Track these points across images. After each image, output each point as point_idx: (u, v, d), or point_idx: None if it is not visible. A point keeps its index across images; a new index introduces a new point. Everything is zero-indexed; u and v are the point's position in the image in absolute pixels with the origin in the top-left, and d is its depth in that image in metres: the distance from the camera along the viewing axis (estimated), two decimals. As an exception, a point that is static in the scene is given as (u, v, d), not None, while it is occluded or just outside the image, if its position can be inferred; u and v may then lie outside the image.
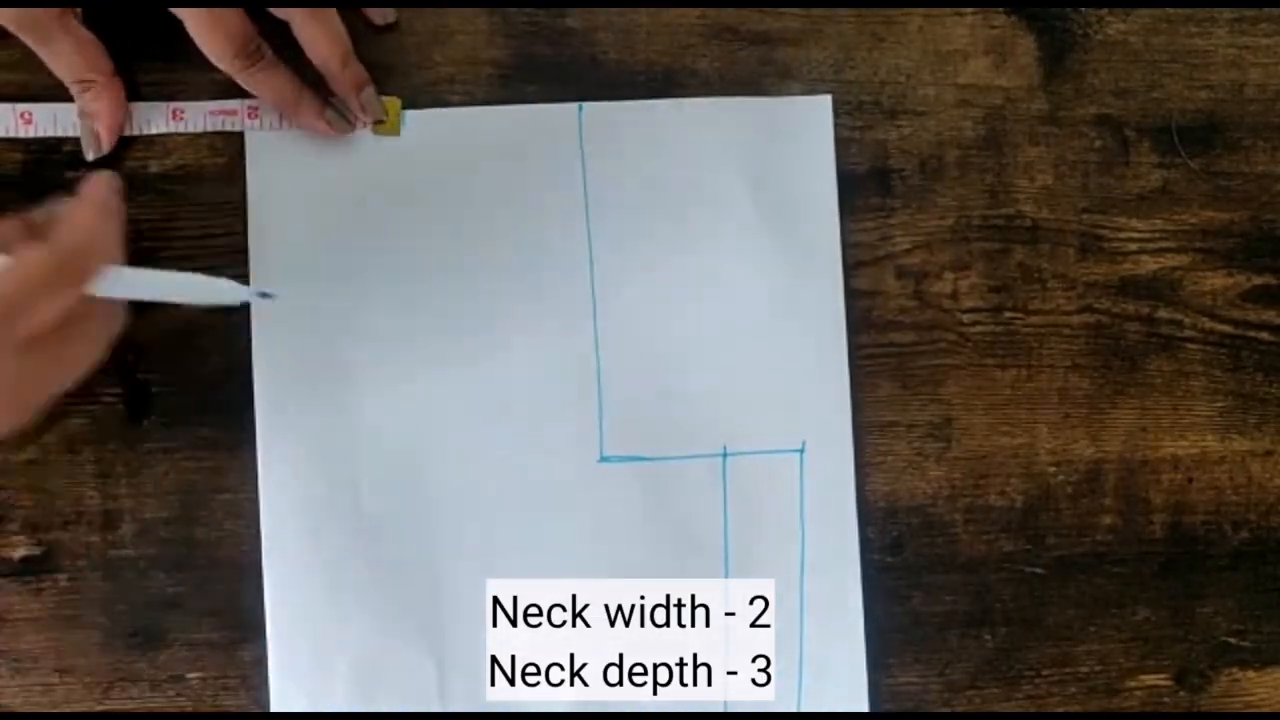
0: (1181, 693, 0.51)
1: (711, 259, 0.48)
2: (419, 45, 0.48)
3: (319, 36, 0.45)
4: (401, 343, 0.47)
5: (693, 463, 0.48)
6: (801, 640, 0.48)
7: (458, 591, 0.47)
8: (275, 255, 0.46)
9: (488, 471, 0.47)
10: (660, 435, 0.48)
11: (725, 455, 0.48)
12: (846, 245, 0.49)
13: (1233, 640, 0.51)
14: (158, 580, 0.47)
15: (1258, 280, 0.51)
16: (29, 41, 0.44)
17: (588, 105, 0.48)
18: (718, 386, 0.48)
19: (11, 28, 0.43)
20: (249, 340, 0.46)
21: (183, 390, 0.46)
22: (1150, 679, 0.51)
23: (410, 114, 0.47)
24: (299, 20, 0.44)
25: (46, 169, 0.46)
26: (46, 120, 0.46)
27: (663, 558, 0.48)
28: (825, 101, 0.49)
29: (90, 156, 0.45)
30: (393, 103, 0.47)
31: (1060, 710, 0.50)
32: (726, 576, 0.48)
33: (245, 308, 0.46)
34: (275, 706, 0.46)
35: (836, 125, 0.49)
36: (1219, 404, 0.51)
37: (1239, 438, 0.51)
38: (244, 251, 0.46)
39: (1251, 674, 0.51)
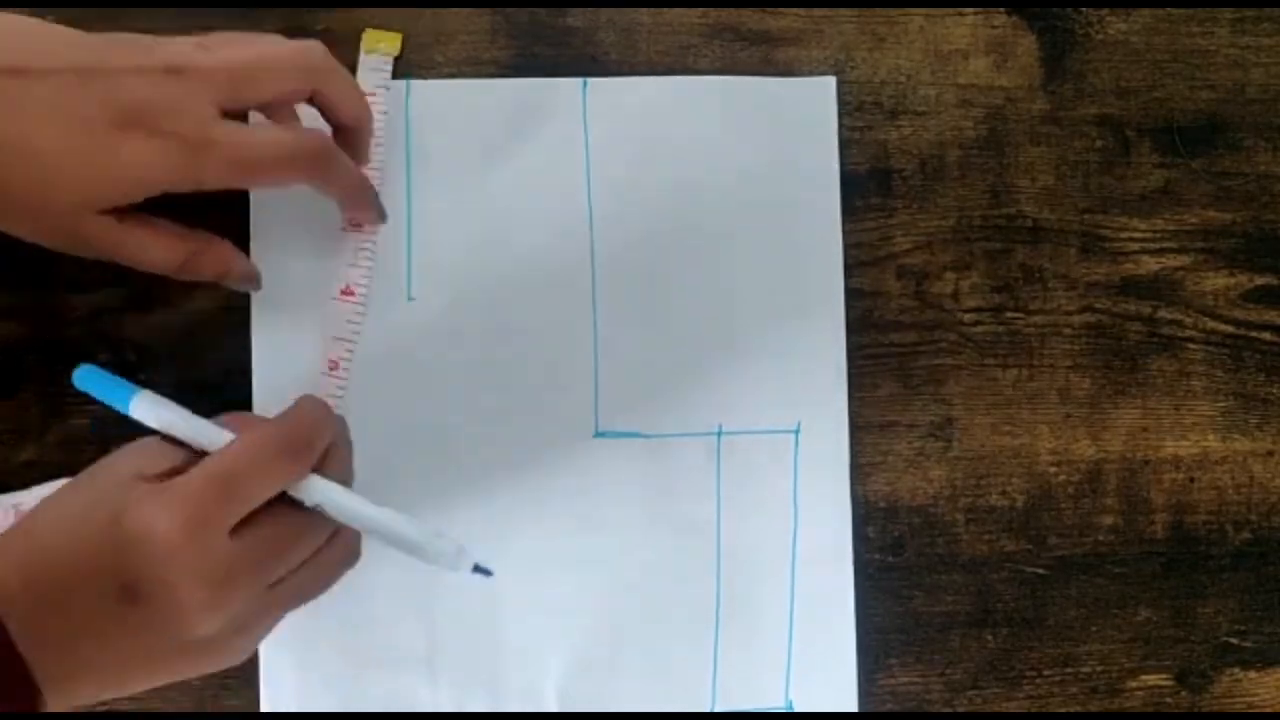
0: (1183, 693, 0.51)
1: (712, 236, 0.48)
2: (420, 45, 0.48)
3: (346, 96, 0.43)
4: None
5: (687, 440, 0.48)
6: (791, 621, 0.48)
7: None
8: (276, 233, 0.46)
9: (482, 443, 0.47)
10: (656, 412, 0.48)
11: (720, 434, 0.48)
12: (847, 245, 0.49)
13: (1234, 641, 0.51)
14: (158, 580, 0.46)
15: (1259, 280, 0.51)
16: (109, 258, 0.41)
17: (592, 81, 0.48)
18: (715, 364, 0.48)
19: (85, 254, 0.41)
20: (249, 340, 0.46)
21: (183, 390, 0.45)
22: (1152, 679, 0.51)
23: (414, 84, 0.47)
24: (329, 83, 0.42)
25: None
26: None
27: (655, 534, 0.48)
28: (829, 82, 0.49)
29: (258, 289, 0.45)
30: (394, 37, 0.47)
31: (1062, 710, 0.50)
32: (718, 555, 0.48)
33: (245, 307, 0.46)
34: (263, 669, 0.46)
35: (838, 126, 0.49)
36: (1220, 404, 0.51)
37: (1240, 438, 0.51)
38: (245, 232, 0.46)
39: (1253, 674, 0.51)
